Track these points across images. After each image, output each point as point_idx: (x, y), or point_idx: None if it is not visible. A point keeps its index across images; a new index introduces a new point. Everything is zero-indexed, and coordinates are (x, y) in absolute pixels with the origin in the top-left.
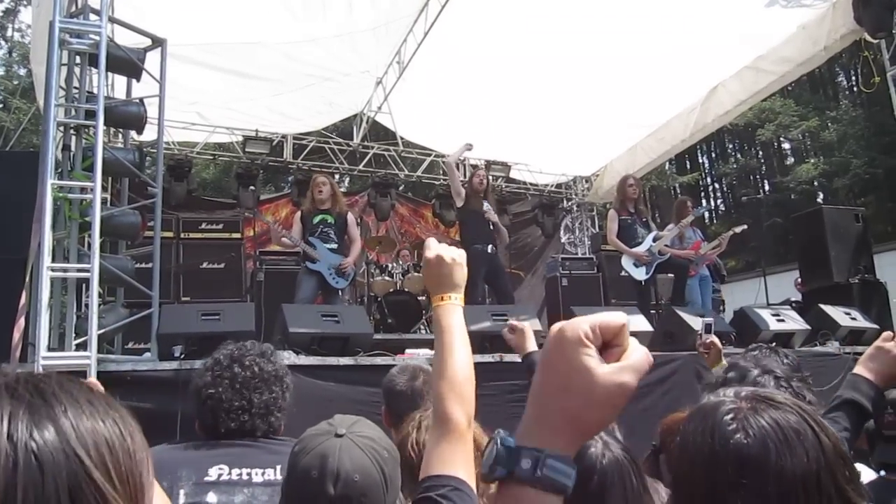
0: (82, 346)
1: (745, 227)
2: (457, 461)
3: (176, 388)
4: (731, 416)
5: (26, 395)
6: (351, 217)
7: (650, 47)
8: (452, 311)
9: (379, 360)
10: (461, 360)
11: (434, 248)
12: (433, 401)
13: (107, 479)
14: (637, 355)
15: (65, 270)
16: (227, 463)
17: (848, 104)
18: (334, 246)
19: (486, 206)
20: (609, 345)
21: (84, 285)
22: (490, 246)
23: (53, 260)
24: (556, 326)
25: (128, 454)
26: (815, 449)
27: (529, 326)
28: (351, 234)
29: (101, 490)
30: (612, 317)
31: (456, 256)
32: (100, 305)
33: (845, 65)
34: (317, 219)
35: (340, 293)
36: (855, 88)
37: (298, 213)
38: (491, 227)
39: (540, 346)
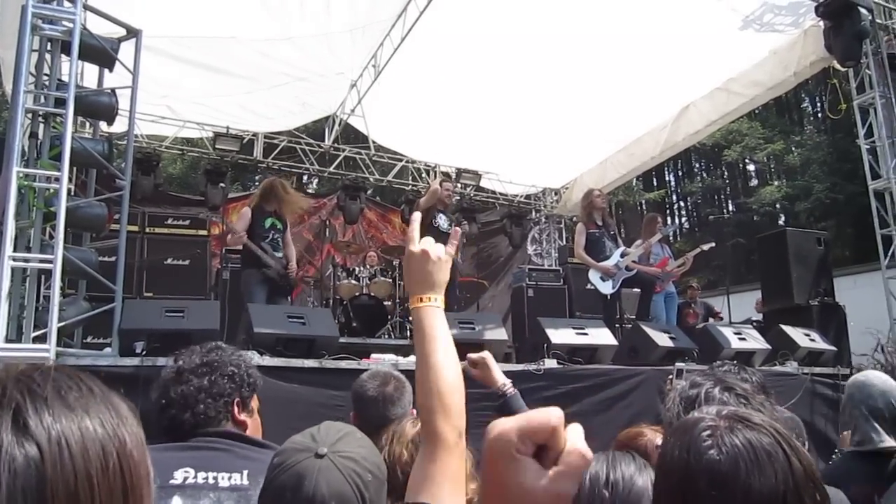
0: (41, 339)
1: (713, 244)
2: (443, 481)
3: (136, 385)
4: (707, 433)
5: (27, 392)
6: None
7: (625, 64)
8: (434, 315)
9: (344, 364)
10: (448, 369)
11: (420, 242)
12: (420, 416)
13: (102, 478)
14: (573, 458)
15: (26, 260)
16: (193, 466)
17: (812, 130)
18: (280, 254)
19: (439, 217)
20: (544, 447)
21: (44, 276)
22: None
23: (15, 249)
24: (488, 434)
25: (122, 454)
26: (785, 471)
27: (490, 357)
28: (285, 238)
29: (93, 489)
30: (541, 421)
31: (441, 254)
32: (61, 298)
33: (811, 91)
34: (268, 223)
35: (289, 299)
36: (819, 114)
37: (248, 209)
38: (446, 233)
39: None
